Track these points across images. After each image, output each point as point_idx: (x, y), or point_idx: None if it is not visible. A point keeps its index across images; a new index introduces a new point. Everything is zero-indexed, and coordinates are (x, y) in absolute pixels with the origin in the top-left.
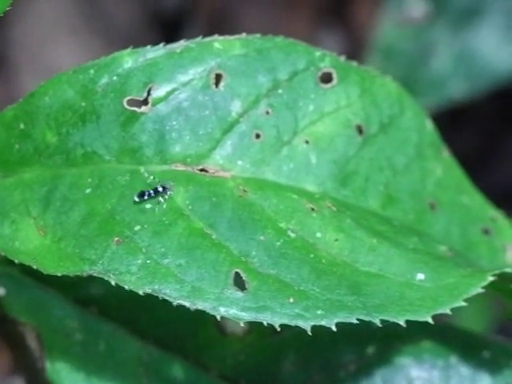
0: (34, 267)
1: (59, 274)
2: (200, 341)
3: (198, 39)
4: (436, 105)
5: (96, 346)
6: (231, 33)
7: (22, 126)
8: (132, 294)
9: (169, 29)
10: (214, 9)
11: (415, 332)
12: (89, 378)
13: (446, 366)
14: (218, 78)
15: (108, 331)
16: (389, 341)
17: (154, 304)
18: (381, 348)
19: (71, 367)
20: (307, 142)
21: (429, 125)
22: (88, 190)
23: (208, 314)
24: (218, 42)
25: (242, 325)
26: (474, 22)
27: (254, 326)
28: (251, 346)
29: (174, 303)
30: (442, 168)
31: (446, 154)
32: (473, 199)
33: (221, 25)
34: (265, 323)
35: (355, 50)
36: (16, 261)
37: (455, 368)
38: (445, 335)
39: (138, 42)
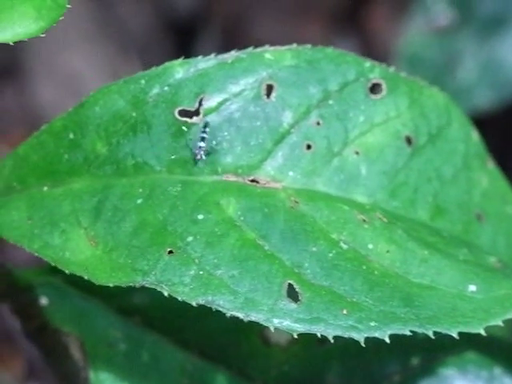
0: (86, 278)
1: (111, 285)
2: (244, 351)
3: (249, 49)
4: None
5: (139, 356)
6: (245, 39)
7: (71, 135)
8: (175, 305)
9: (183, 35)
10: (228, 15)
11: (459, 343)
12: None
13: (490, 377)
14: (270, 88)
15: (152, 341)
16: (433, 352)
17: (197, 314)
18: (425, 359)
19: (115, 377)
20: (357, 153)
21: (474, 135)
22: (139, 201)
23: (252, 324)
24: (269, 52)
25: (295, 336)
26: (500, 31)
27: (299, 337)
28: (295, 357)
29: (228, 314)
30: (488, 179)
31: (491, 164)
32: None
33: (235, 31)
34: (318, 335)
35: (369, 57)
36: (67, 272)
37: (499, 379)
38: (489, 346)
39: (153, 48)
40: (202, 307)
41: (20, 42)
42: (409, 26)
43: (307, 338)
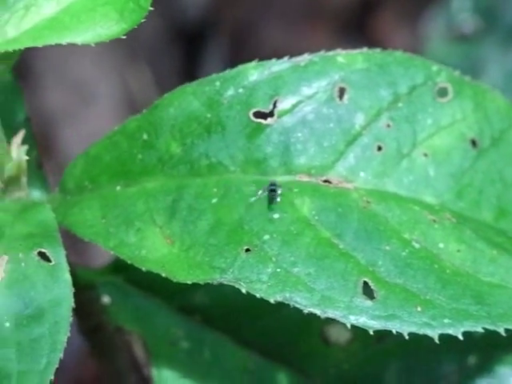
0: (163, 275)
1: (189, 282)
2: (304, 350)
3: (322, 53)
4: None
5: (201, 354)
6: (253, 45)
7: (145, 136)
8: (236, 303)
9: (192, 41)
10: (236, 21)
11: None
12: None
13: None
14: (342, 91)
15: (213, 339)
16: (490, 350)
17: (257, 313)
18: (482, 358)
19: (177, 375)
20: (426, 155)
21: None
22: (214, 200)
23: (312, 323)
24: (341, 56)
25: (371, 333)
26: None
27: (358, 335)
28: (354, 356)
29: (305, 311)
30: None
31: None
32: None
33: (243, 37)
34: (394, 331)
35: None
36: (143, 269)
37: None
38: None
39: (162, 53)
40: (261, 305)
41: (31, 48)
42: (431, 33)
43: (366, 337)
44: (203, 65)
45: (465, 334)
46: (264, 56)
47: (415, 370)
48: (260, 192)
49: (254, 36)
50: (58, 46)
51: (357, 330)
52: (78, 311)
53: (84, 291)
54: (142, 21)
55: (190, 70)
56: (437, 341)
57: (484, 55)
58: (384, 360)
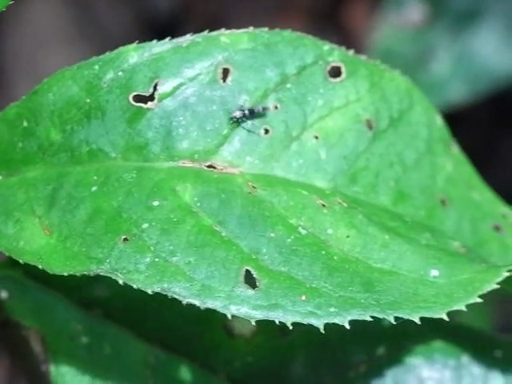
0: (40, 267)
1: (66, 274)
2: (207, 343)
3: (205, 33)
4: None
5: (101, 348)
6: None
7: (25, 123)
8: (137, 296)
9: (162, 35)
10: (206, 14)
11: (426, 331)
12: (94, 381)
13: (457, 366)
14: (226, 72)
15: (113, 334)
16: (399, 341)
17: (159, 306)
18: (391, 348)
19: (76, 370)
20: (316, 138)
21: (438, 120)
22: (94, 188)
23: (215, 315)
24: (224, 36)
25: (252, 323)
26: (474, 25)
27: (262, 327)
28: (259, 348)
29: (184, 302)
30: (452, 163)
31: (455, 149)
32: (483, 195)
33: (214, 30)
34: (277, 321)
35: None
36: (21, 261)
37: (467, 368)
38: (456, 335)
39: None
40: (162, 299)
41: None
42: (382, 21)
43: (271, 329)
44: None
45: (374, 323)
46: None
47: (322, 360)
48: None
49: (225, 28)
50: (28, 41)
51: (261, 322)
52: None
53: None
54: (113, 16)
55: None
56: (322, 330)
57: (433, 41)
58: (290, 352)
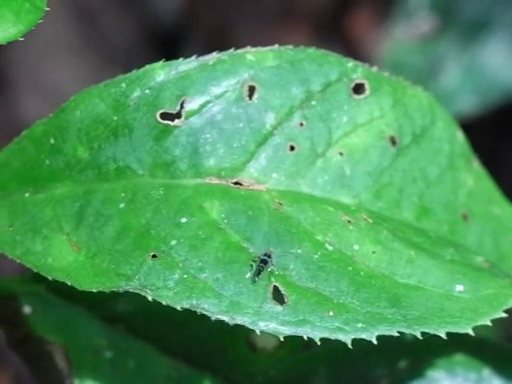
0: (66, 283)
1: (94, 290)
2: (230, 357)
3: (231, 51)
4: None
5: (125, 363)
6: (229, 48)
7: (52, 141)
8: (160, 311)
9: (167, 46)
10: (211, 24)
11: (447, 345)
12: None
13: (478, 379)
14: (252, 90)
15: (137, 348)
16: (421, 354)
17: (183, 321)
18: (413, 362)
19: None
20: (341, 154)
21: (459, 135)
22: (122, 205)
23: (238, 329)
24: (250, 53)
25: (281, 339)
26: (482, 36)
27: (285, 342)
28: (282, 362)
29: (213, 318)
30: (473, 178)
31: (476, 164)
32: (504, 210)
33: (219, 40)
34: (305, 337)
35: None
36: (50, 278)
37: (488, 381)
38: (477, 348)
39: (136, 59)
40: (186, 313)
41: (4, 55)
42: (391, 32)
43: (293, 343)
44: None
45: (395, 338)
46: None
47: (344, 375)
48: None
49: (230, 39)
50: (33, 54)
51: (284, 337)
52: (3, 323)
53: (6, 302)
54: (117, 28)
55: None
56: (350, 346)
57: (442, 52)
58: (312, 366)
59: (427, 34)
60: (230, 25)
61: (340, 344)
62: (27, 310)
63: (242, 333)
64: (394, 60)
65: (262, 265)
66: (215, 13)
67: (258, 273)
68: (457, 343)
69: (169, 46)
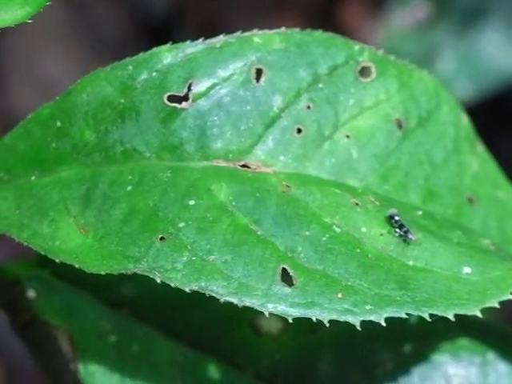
0: (76, 266)
1: (102, 273)
2: (235, 341)
3: (238, 34)
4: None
5: (129, 347)
6: None
7: (58, 123)
8: (165, 295)
9: (157, 37)
10: (202, 16)
11: (452, 329)
12: (123, 380)
13: (483, 363)
14: (259, 72)
15: (141, 333)
16: (425, 338)
17: (187, 305)
18: (417, 346)
19: (105, 369)
20: (348, 137)
21: (464, 119)
22: (129, 188)
23: (243, 313)
24: (257, 36)
25: (290, 321)
26: (478, 23)
27: (290, 325)
28: (287, 346)
29: (221, 300)
30: (478, 162)
31: (480, 148)
32: (508, 194)
33: (210, 31)
34: (314, 319)
35: None
36: (57, 260)
37: (493, 365)
38: (482, 332)
39: (127, 50)
40: (190, 298)
41: None
42: (387, 19)
43: (298, 327)
44: None
45: (400, 321)
46: None
47: (350, 359)
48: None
49: (221, 30)
50: (24, 44)
51: (289, 321)
52: (7, 307)
53: (10, 286)
54: (108, 18)
55: None
56: (358, 328)
57: (438, 40)
58: (317, 350)
59: (423, 22)
60: (220, 16)
61: (345, 328)
62: (31, 294)
63: (247, 317)
64: (389, 48)
65: None
66: (206, 4)
67: None
68: (461, 327)
69: (160, 37)
